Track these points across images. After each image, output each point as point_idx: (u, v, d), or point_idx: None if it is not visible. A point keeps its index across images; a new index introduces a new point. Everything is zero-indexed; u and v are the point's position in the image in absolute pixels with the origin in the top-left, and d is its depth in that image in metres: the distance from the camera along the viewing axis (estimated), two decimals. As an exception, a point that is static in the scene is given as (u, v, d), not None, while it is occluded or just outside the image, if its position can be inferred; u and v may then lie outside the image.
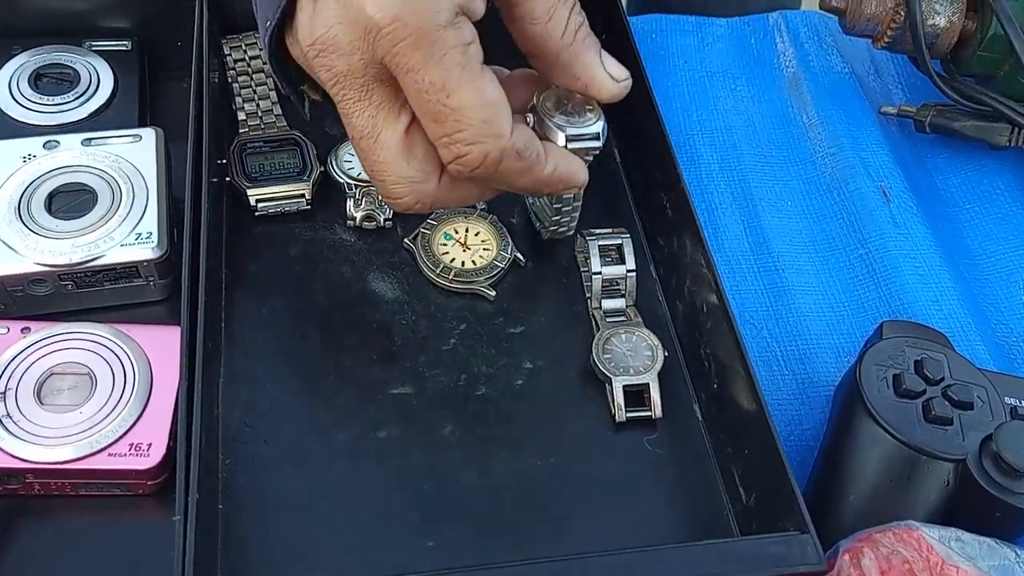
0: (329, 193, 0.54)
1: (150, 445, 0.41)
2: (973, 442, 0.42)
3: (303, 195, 0.53)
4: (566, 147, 0.39)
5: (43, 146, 0.48)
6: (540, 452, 0.46)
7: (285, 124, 0.56)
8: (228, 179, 0.52)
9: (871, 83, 0.68)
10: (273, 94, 0.57)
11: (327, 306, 0.50)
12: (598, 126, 0.40)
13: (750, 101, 0.65)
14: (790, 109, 0.65)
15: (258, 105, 0.56)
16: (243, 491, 0.43)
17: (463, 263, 0.50)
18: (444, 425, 0.46)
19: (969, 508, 0.42)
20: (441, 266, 0.50)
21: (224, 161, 0.53)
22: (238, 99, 0.56)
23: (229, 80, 0.56)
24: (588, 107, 0.40)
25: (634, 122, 0.56)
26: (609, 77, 0.38)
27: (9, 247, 0.45)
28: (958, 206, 0.61)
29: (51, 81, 0.52)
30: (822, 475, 0.45)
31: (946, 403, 0.43)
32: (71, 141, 0.49)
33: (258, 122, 0.56)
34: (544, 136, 0.39)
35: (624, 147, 0.58)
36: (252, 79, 0.56)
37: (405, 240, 0.51)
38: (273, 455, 0.44)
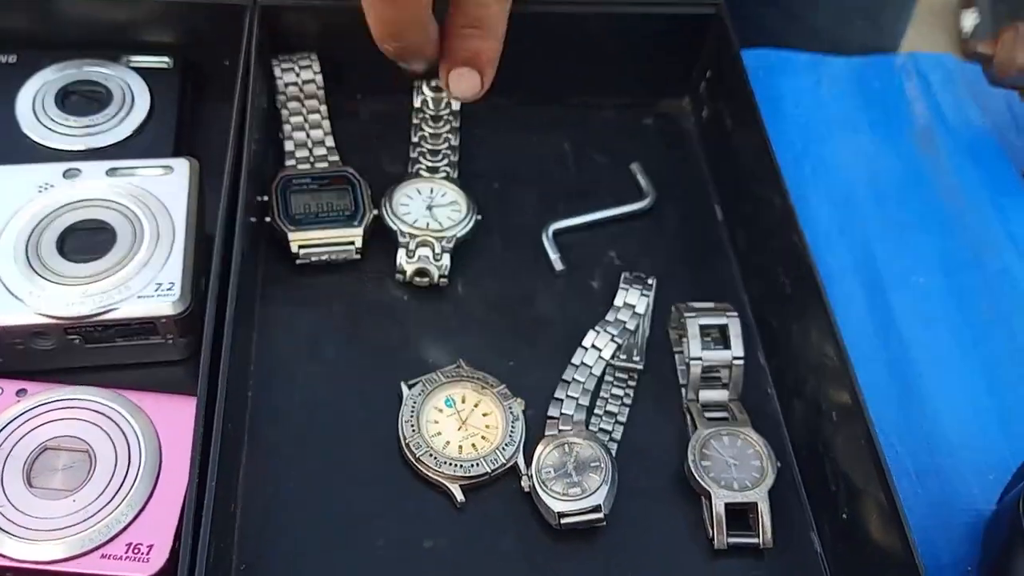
0: (382, 242, 0.47)
1: (151, 547, 0.34)
2: None
3: (352, 243, 0.45)
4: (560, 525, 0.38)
5: (63, 175, 0.42)
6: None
7: (338, 159, 0.49)
8: (268, 219, 0.45)
9: (1014, 141, 0.59)
10: (326, 123, 0.50)
11: (372, 377, 0.43)
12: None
13: (874, 154, 0.56)
14: (922, 166, 0.56)
15: (308, 135, 0.49)
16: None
17: (447, 443, 0.40)
18: (503, 536, 0.39)
19: None
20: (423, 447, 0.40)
21: (265, 198, 0.46)
22: (287, 127, 0.49)
23: (278, 106, 0.49)
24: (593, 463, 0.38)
25: (744, 178, 0.47)
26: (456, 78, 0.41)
27: (11, 293, 0.38)
28: None
29: (80, 100, 0.46)
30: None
31: None
32: (95, 170, 0.42)
33: (307, 154, 0.49)
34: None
35: (730, 206, 0.50)
36: (304, 105, 0.49)
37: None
38: (300, 561, 0.37)
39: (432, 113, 0.50)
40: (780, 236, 0.43)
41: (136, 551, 0.34)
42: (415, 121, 0.50)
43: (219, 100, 0.50)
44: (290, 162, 0.48)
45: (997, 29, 0.54)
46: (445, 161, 0.49)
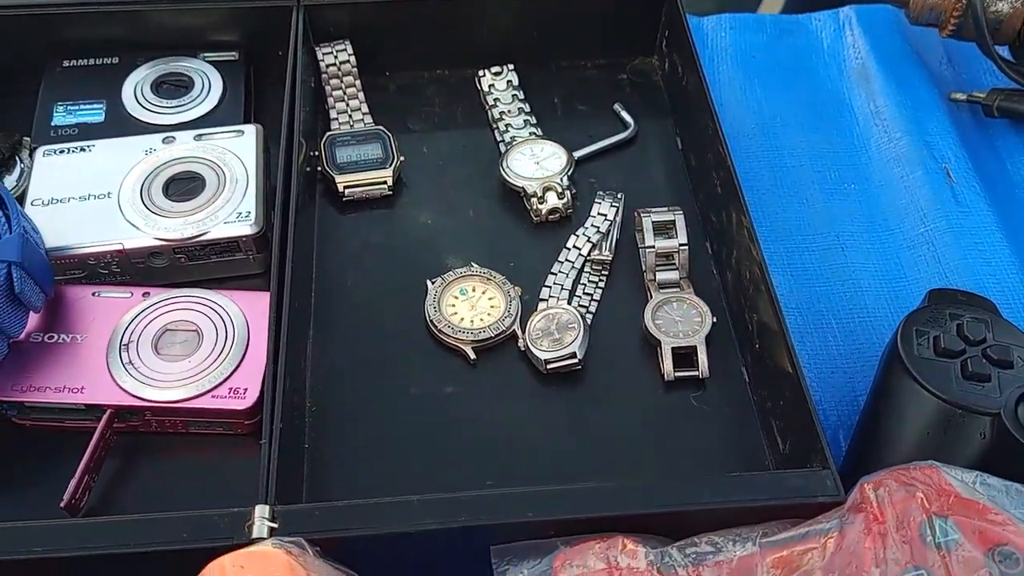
0: (408, 179, 0.60)
1: (246, 390, 0.47)
2: (1010, 398, 0.43)
3: (385, 182, 0.59)
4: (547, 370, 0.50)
5: (162, 141, 0.56)
6: (594, 406, 0.49)
7: (371, 121, 0.62)
8: (320, 169, 0.59)
9: (944, 72, 0.69)
10: (361, 94, 0.63)
11: (405, 282, 0.55)
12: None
13: (808, 88, 0.68)
14: (857, 99, 0.67)
15: (347, 104, 0.63)
16: (325, 434, 0.48)
17: (461, 319, 0.52)
18: (506, 383, 0.51)
19: (1006, 461, 0.43)
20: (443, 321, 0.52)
21: (317, 153, 0.59)
22: (330, 99, 0.63)
23: (323, 84, 0.63)
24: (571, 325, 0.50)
25: (693, 112, 0.59)
26: None
27: (133, 225, 0.52)
28: (1024, 187, 0.62)
29: (169, 87, 0.60)
30: (864, 432, 0.47)
31: (984, 362, 0.44)
32: (185, 137, 0.56)
33: (347, 119, 0.62)
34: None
35: (685, 135, 0.62)
36: (342, 81, 0.63)
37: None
38: (353, 405, 0.50)
39: (500, 94, 0.63)
40: (712, 150, 0.55)
41: (235, 393, 0.47)
42: (490, 104, 0.63)
43: (277, 84, 0.63)
44: (334, 125, 0.62)
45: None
46: (526, 125, 0.62)
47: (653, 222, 0.54)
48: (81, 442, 0.46)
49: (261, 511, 0.38)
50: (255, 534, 0.38)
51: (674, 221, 0.54)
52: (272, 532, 0.38)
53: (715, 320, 0.51)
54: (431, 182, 0.61)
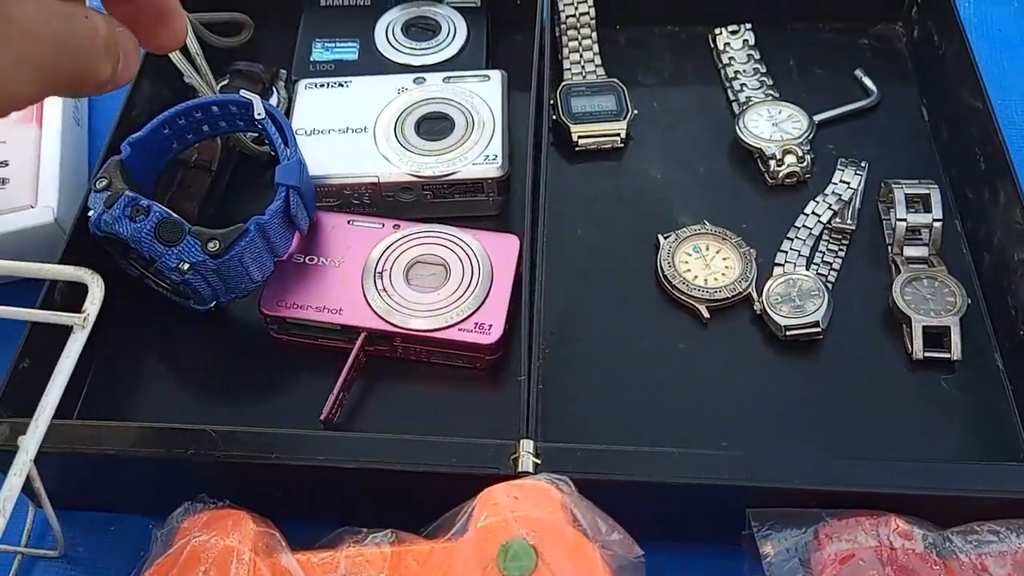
0: (638, 133, 0.60)
1: (490, 326, 0.49)
2: None
3: (619, 134, 0.59)
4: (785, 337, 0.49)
5: (413, 81, 0.58)
6: (833, 378, 0.49)
7: (604, 73, 0.62)
8: (554, 118, 0.59)
9: None
10: (596, 46, 0.63)
11: (635, 235, 0.55)
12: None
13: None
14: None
15: (581, 56, 0.63)
16: (559, 376, 0.49)
17: (695, 277, 0.52)
18: (739, 345, 0.51)
19: None
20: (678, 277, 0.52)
21: (553, 102, 0.60)
22: (565, 50, 0.63)
23: (557, 34, 0.63)
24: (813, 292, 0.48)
25: (950, 85, 0.56)
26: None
27: (388, 160, 0.54)
28: None
29: (418, 30, 0.62)
30: None
31: None
32: (435, 78, 0.58)
33: (580, 70, 0.62)
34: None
35: (934, 108, 0.59)
36: (579, 32, 0.63)
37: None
38: (584, 350, 0.51)
39: (735, 54, 0.62)
40: (976, 124, 0.52)
41: (481, 328, 0.49)
42: (724, 62, 0.62)
43: (512, 32, 0.65)
44: (567, 75, 0.62)
45: None
46: (761, 86, 0.61)
47: (906, 195, 0.52)
48: (331, 360, 0.49)
49: (526, 446, 0.40)
50: (521, 467, 0.39)
51: (928, 195, 0.52)
52: (536, 467, 0.39)
53: (970, 302, 0.49)
54: (661, 137, 0.60)
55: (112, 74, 0.27)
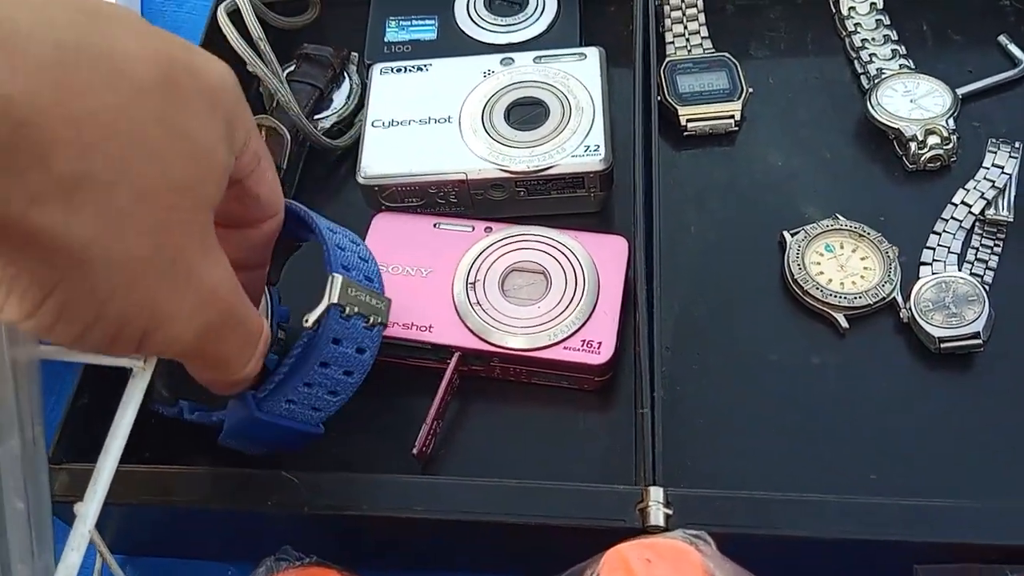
0: (753, 113, 0.53)
1: (600, 344, 0.43)
2: None
3: (732, 116, 0.52)
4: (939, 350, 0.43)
5: (500, 63, 0.52)
6: (995, 397, 0.42)
7: (712, 48, 0.55)
8: (659, 99, 0.53)
9: None
10: (702, 16, 0.56)
11: (755, 230, 0.49)
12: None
13: None
14: None
15: (686, 27, 0.56)
16: (677, 399, 0.43)
17: (829, 280, 0.46)
18: (883, 359, 0.44)
19: None
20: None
21: (657, 81, 0.53)
22: (667, 21, 0.56)
23: (659, 3, 0.57)
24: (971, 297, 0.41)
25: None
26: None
27: (476, 154, 0.48)
28: None
29: (503, 4, 0.56)
30: None
31: None
32: (524, 59, 0.52)
33: (684, 43, 0.56)
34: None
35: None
36: (683, 2, 0.56)
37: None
38: (710, 367, 0.45)
39: (862, 19, 0.55)
40: None
41: (589, 345, 0.43)
42: (849, 29, 0.55)
43: (605, 3, 0.58)
44: (670, 50, 0.55)
45: None
46: (895, 56, 0.54)
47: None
48: (421, 381, 0.44)
49: (655, 495, 0.34)
50: (652, 521, 0.34)
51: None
52: (668, 520, 0.34)
53: None
54: (780, 117, 0.54)
55: (248, 374, 0.32)
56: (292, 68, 0.55)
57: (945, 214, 0.48)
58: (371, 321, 0.37)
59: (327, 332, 0.36)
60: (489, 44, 0.55)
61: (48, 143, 0.22)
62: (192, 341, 0.28)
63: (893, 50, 0.54)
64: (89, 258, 0.24)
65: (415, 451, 0.41)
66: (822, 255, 0.47)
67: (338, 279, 0.36)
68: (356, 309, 0.37)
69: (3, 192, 0.22)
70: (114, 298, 0.25)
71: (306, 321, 0.35)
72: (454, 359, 0.43)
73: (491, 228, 0.48)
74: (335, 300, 0.36)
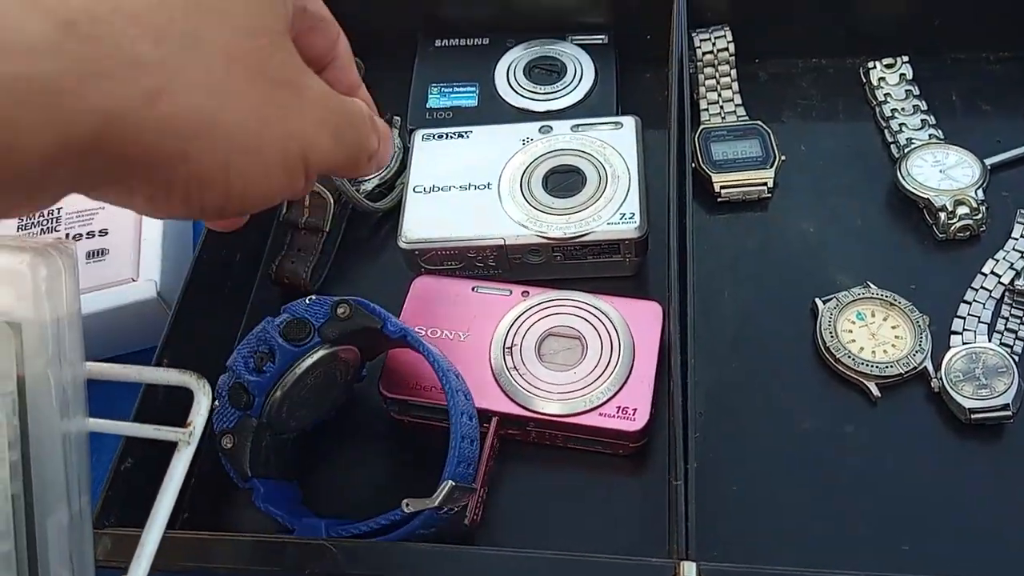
0: (785, 180, 0.54)
1: (635, 410, 0.44)
2: None
3: (765, 183, 0.53)
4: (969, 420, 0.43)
5: (539, 130, 0.53)
6: (1028, 470, 0.43)
7: (745, 115, 0.57)
8: (693, 166, 0.54)
9: None
10: (735, 84, 0.58)
11: (788, 297, 0.50)
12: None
13: None
14: None
15: (719, 95, 0.58)
16: (707, 469, 0.44)
17: (861, 349, 0.47)
18: (915, 427, 0.45)
19: None
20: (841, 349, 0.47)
21: (690, 148, 0.55)
22: (701, 89, 0.58)
23: (692, 72, 0.58)
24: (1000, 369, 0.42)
25: None
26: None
27: (514, 220, 0.50)
28: None
29: (542, 72, 0.58)
30: None
31: None
32: (562, 127, 0.53)
33: (718, 110, 0.57)
34: None
35: None
36: (717, 71, 0.58)
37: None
38: (745, 432, 0.46)
39: (892, 89, 0.57)
40: None
41: (624, 412, 0.44)
42: (879, 99, 0.56)
43: (642, 70, 0.60)
44: (704, 116, 0.57)
45: None
46: (924, 126, 0.55)
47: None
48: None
49: (688, 570, 0.35)
50: (686, 594, 0.35)
51: None
52: (701, 592, 0.35)
53: None
54: (811, 184, 0.55)
55: (377, 147, 0.32)
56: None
57: (975, 284, 0.49)
58: (455, 510, 0.40)
59: (419, 519, 0.39)
60: (528, 111, 0.56)
61: (126, 42, 0.23)
62: (334, 147, 0.29)
63: (923, 120, 0.55)
64: (217, 123, 0.25)
65: (467, 521, 0.42)
66: (854, 323, 0.48)
67: (448, 485, 0.38)
68: (451, 508, 0.39)
69: (119, 102, 0.23)
70: (263, 144, 0.26)
71: (407, 506, 0.38)
72: (493, 424, 0.45)
73: (528, 292, 0.49)
74: (436, 504, 0.38)
